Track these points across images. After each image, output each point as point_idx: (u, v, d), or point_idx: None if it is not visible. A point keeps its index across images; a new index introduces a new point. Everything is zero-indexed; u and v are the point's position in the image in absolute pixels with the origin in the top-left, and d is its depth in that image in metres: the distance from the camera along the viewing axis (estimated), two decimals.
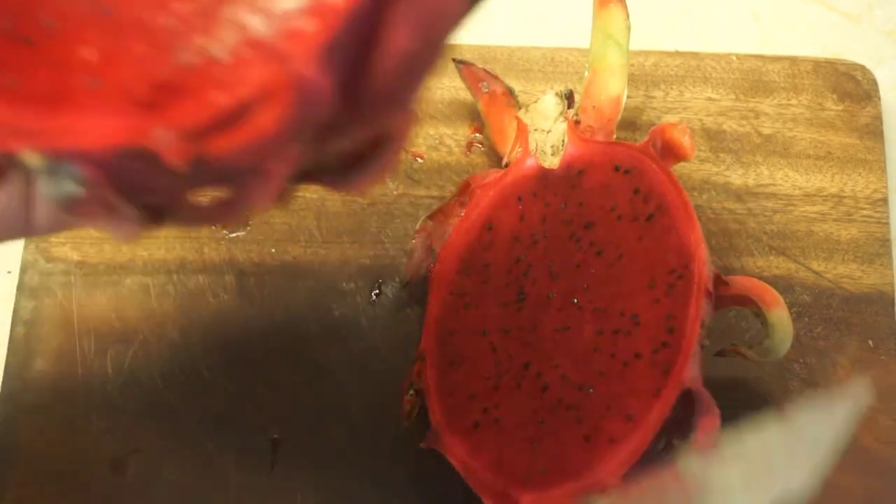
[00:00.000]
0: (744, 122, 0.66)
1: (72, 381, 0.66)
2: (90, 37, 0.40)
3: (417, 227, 0.66)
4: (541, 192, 0.62)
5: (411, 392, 0.62)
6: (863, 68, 0.73)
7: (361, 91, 0.37)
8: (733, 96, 0.73)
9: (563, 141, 0.63)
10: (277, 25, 0.37)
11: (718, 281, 0.57)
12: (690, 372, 0.54)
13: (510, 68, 0.71)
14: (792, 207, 0.69)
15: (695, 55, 0.73)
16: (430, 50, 0.37)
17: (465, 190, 0.65)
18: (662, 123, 0.61)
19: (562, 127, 0.63)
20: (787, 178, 0.71)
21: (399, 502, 0.63)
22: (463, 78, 0.68)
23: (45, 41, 0.41)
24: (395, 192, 0.70)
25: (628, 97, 0.73)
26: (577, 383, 0.57)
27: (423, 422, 0.61)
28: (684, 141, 0.59)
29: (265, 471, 0.64)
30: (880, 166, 0.71)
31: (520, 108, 0.66)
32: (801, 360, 0.66)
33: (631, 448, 0.54)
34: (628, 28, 0.64)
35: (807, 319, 0.67)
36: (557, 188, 0.62)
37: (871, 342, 0.67)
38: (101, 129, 0.38)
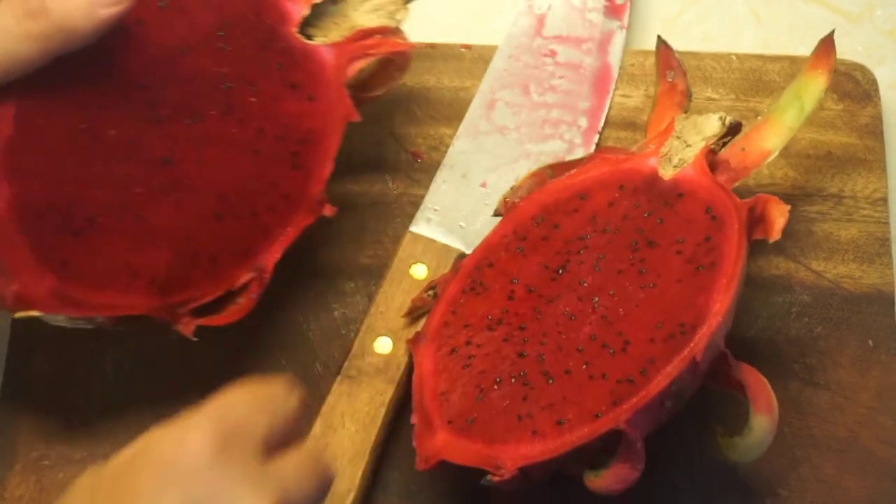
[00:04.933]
0: (744, 122, 0.66)
1: (72, 380, 0.66)
2: (124, 233, 0.58)
3: (536, 169, 0.66)
4: (641, 191, 0.63)
5: (430, 292, 0.64)
6: (863, 68, 0.73)
7: None
8: (733, 96, 0.73)
9: (689, 160, 0.63)
10: None
11: (722, 360, 0.57)
12: (636, 420, 0.55)
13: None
14: (792, 207, 0.68)
15: (695, 55, 0.73)
16: None
17: (594, 155, 0.66)
18: (769, 195, 0.60)
19: (699, 147, 0.63)
20: (787, 178, 0.71)
21: (397, 501, 0.63)
22: (656, 56, 0.69)
23: (90, 233, 0.58)
24: (395, 192, 0.70)
25: (628, 97, 0.73)
26: (546, 369, 0.59)
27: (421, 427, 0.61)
28: (777, 221, 0.59)
29: None
30: (880, 166, 0.71)
31: (684, 112, 0.66)
32: (801, 361, 0.66)
33: (546, 448, 0.56)
34: (820, 100, 0.63)
35: (807, 319, 0.67)
36: (654, 197, 0.62)
37: (871, 342, 0.67)
38: (133, 307, 0.59)
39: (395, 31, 0.65)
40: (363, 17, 0.64)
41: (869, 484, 0.64)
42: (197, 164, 0.60)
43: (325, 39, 0.64)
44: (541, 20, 0.74)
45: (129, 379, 0.66)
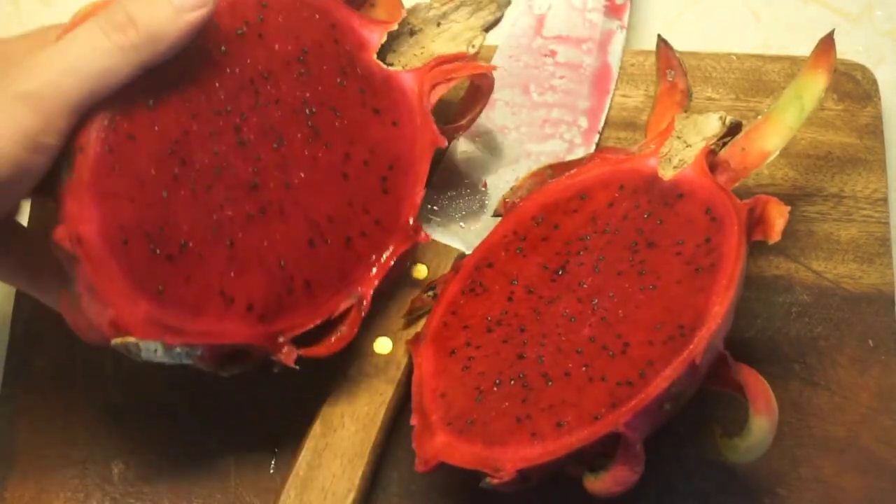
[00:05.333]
0: (744, 122, 0.66)
1: (72, 381, 0.66)
2: (216, 258, 0.58)
3: (536, 169, 0.66)
4: (641, 191, 0.63)
5: (430, 292, 0.64)
6: (863, 68, 0.73)
7: None
8: (733, 96, 0.73)
9: (689, 160, 0.63)
10: None
11: (722, 362, 0.57)
12: (636, 423, 0.55)
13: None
14: (792, 207, 0.68)
15: (695, 55, 0.73)
16: None
17: (594, 155, 0.66)
18: (769, 196, 0.60)
19: (699, 147, 0.63)
20: (787, 178, 0.71)
21: (397, 501, 0.64)
22: (657, 56, 0.69)
23: (182, 258, 0.57)
24: None
25: (628, 97, 0.73)
26: (545, 370, 0.59)
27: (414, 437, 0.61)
28: (777, 222, 0.59)
29: (265, 471, 0.64)
30: (880, 166, 0.71)
31: (684, 111, 0.66)
32: (802, 360, 0.66)
33: (546, 450, 0.56)
34: (820, 100, 0.63)
35: (807, 319, 0.67)
36: (654, 197, 0.62)
37: (871, 342, 0.67)
38: (231, 335, 0.58)
39: (474, 57, 0.65)
40: (441, 45, 0.65)
41: (868, 484, 0.64)
42: (286, 188, 0.59)
43: (404, 68, 0.64)
44: (540, 20, 0.74)
45: (129, 379, 0.66)
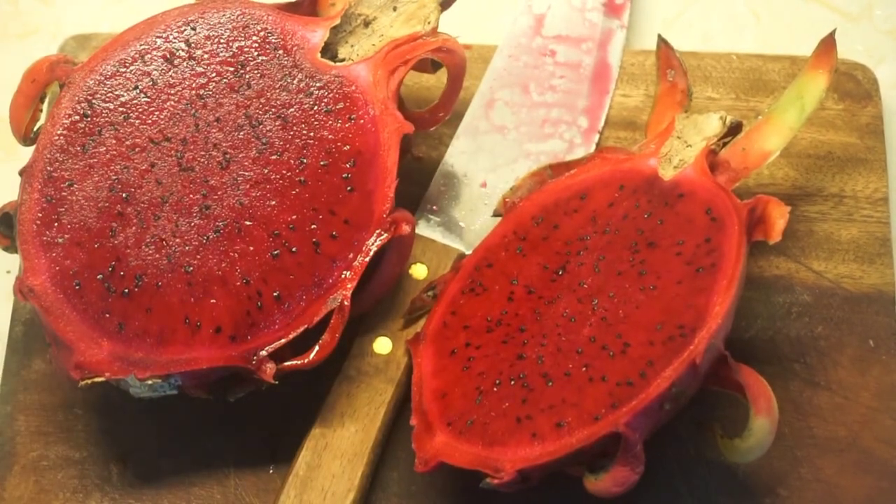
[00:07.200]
0: (744, 122, 0.66)
1: (71, 380, 0.66)
2: (175, 286, 0.58)
3: (536, 168, 0.66)
4: (641, 191, 0.63)
5: (429, 292, 0.64)
6: (863, 67, 0.73)
7: None
8: (733, 96, 0.73)
9: (690, 160, 0.63)
10: None
11: (722, 362, 0.57)
12: (636, 423, 0.55)
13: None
14: (792, 207, 0.69)
15: (695, 55, 0.73)
16: None
17: (594, 155, 0.66)
18: (769, 196, 0.60)
19: (700, 147, 0.63)
20: (787, 178, 0.71)
21: (397, 501, 0.63)
22: (657, 55, 0.69)
23: (139, 292, 0.58)
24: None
25: (628, 96, 0.73)
26: (545, 371, 0.59)
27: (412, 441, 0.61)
28: (778, 222, 0.59)
29: (264, 471, 0.64)
30: (881, 166, 0.71)
31: (684, 111, 0.66)
32: (802, 360, 0.66)
33: (546, 450, 0.56)
34: (821, 100, 0.63)
35: (807, 319, 0.67)
36: (655, 197, 0.62)
37: (871, 342, 0.67)
38: (203, 360, 0.58)
39: (433, 34, 0.63)
40: (399, 29, 0.63)
41: (869, 484, 0.64)
42: (239, 205, 0.59)
43: (356, 60, 0.63)
44: (540, 20, 0.74)
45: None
